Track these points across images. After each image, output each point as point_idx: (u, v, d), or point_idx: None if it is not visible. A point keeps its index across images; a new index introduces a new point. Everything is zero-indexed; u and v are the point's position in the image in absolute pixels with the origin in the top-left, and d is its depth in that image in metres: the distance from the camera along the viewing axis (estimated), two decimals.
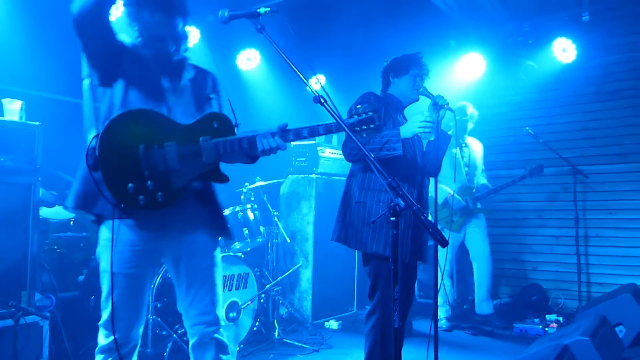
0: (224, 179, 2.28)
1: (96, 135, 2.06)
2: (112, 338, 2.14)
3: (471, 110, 5.26)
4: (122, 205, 2.08)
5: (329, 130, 2.19)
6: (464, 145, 5.29)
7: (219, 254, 2.41)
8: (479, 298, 5.22)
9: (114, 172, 2.05)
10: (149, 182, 2.09)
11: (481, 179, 5.35)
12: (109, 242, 2.12)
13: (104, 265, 2.17)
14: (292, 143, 5.67)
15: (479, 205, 5.26)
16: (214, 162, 2.21)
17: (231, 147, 2.18)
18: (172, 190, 2.14)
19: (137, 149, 2.07)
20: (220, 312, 2.35)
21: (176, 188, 2.14)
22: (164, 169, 2.11)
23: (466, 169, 5.24)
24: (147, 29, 2.26)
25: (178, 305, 2.38)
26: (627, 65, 5.69)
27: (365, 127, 2.12)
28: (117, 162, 2.05)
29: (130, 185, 2.06)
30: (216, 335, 2.31)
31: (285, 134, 2.22)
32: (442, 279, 5.05)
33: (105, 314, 2.18)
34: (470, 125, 5.29)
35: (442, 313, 5.16)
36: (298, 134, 2.22)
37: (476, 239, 5.24)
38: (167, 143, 2.12)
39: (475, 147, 5.38)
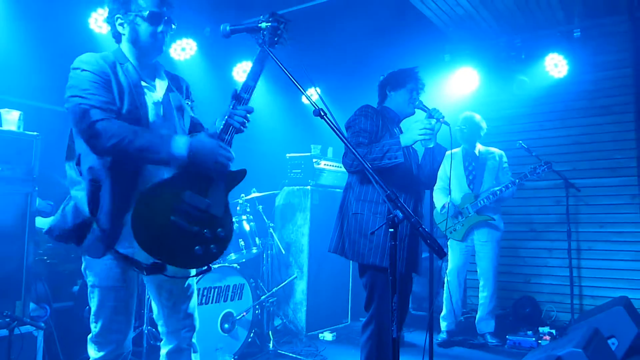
0: (242, 174, 2.37)
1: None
2: (102, 353, 2.16)
3: (479, 118, 5.21)
4: (190, 267, 2.22)
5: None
6: (476, 153, 5.17)
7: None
8: (480, 315, 5.08)
9: (171, 253, 2.09)
10: (205, 231, 2.15)
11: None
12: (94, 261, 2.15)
13: (92, 279, 2.17)
14: (288, 155, 5.73)
15: (475, 215, 5.03)
16: (222, 168, 2.23)
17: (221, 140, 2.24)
18: (222, 219, 2.22)
19: (169, 220, 2.08)
20: (197, 315, 2.46)
21: (221, 216, 2.22)
22: (202, 213, 2.15)
23: (470, 177, 5.14)
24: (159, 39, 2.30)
25: (157, 312, 2.41)
26: (617, 81, 5.79)
27: None
28: (169, 243, 2.08)
29: (197, 247, 2.13)
30: (193, 340, 2.42)
31: (239, 98, 2.33)
32: (449, 290, 4.99)
33: (95, 328, 2.17)
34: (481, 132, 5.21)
35: (444, 326, 5.07)
36: (247, 88, 2.35)
37: (482, 255, 5.07)
38: (184, 196, 2.12)
39: (491, 156, 5.20)
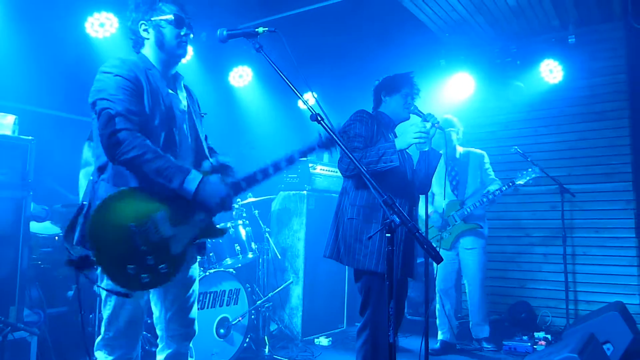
0: (223, 233, 2.35)
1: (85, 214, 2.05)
2: (112, 357, 2.16)
3: (455, 120, 5.04)
4: (125, 290, 2.05)
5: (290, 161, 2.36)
6: (457, 156, 5.02)
7: (196, 267, 2.50)
8: (472, 321, 5.03)
9: (110, 256, 2.00)
10: (151, 259, 2.06)
11: (491, 188, 4.92)
12: None
13: (107, 284, 2.13)
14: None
15: (462, 223, 4.89)
16: (209, 220, 2.24)
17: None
18: (174, 258, 2.13)
19: (127, 227, 2.03)
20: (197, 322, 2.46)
21: (176, 254, 2.14)
22: (161, 241, 2.09)
23: (454, 182, 5.00)
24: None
25: (158, 315, 2.40)
26: (612, 87, 5.82)
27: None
28: (112, 246, 2.00)
29: (130, 266, 2.02)
30: (191, 344, 2.45)
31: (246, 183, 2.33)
32: (441, 299, 4.93)
33: (109, 332, 2.17)
34: (454, 137, 5.01)
35: (440, 334, 4.98)
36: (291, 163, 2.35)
37: (467, 261, 4.94)
38: (154, 213, 2.09)
39: (472, 158, 5.05)
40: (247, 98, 6.82)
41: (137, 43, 2.38)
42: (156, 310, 2.40)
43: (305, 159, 2.42)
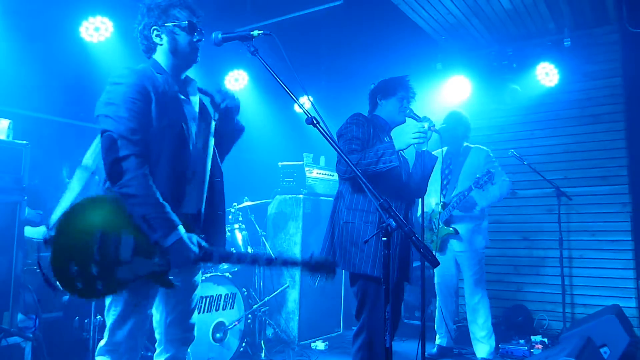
0: (169, 285, 2.18)
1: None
2: None
3: (464, 116, 4.83)
4: (55, 287, 2.00)
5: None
6: (457, 152, 4.80)
7: (200, 276, 2.49)
8: (473, 335, 4.68)
9: (63, 249, 1.97)
10: (93, 268, 1.98)
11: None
12: None
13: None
14: (280, 163, 5.72)
15: (446, 226, 4.65)
16: (162, 264, 2.13)
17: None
18: (115, 281, 2.04)
19: (94, 233, 1.99)
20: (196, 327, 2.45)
21: (121, 279, 2.05)
22: (113, 259, 2.03)
23: (445, 181, 4.74)
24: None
25: (158, 319, 2.38)
26: (607, 90, 5.84)
27: None
28: (71, 241, 1.97)
29: (74, 267, 1.96)
30: (189, 349, 2.43)
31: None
32: (440, 304, 4.84)
33: (113, 337, 2.15)
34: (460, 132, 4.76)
35: (437, 339, 4.90)
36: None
37: (462, 266, 4.72)
38: (126, 234, 2.05)
39: (472, 154, 4.76)
40: (243, 102, 6.76)
41: (149, 48, 2.36)
42: (157, 314, 2.38)
43: (285, 268, 2.46)
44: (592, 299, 5.67)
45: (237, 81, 6.52)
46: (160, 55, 2.34)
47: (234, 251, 2.35)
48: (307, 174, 5.60)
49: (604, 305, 5.03)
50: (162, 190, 2.11)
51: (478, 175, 4.43)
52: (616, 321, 3.94)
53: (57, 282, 1.99)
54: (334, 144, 2.00)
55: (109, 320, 2.16)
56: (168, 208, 2.07)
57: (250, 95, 6.77)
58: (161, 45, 2.32)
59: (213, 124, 2.49)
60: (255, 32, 2.17)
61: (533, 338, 5.07)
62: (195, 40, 2.32)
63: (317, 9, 5.45)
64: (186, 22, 2.29)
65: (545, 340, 5.02)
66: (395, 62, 6.03)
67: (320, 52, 6.60)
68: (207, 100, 2.57)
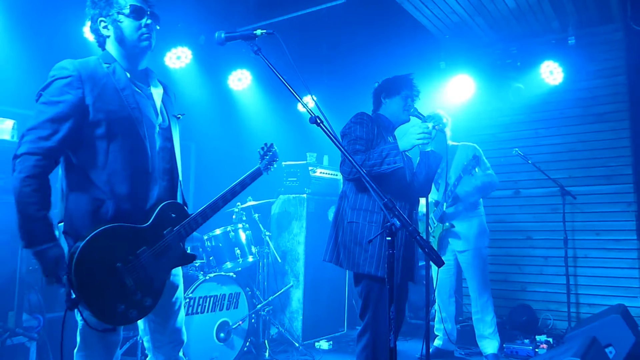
0: (192, 258, 2.34)
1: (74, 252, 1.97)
2: None
3: (442, 113, 4.78)
4: (113, 326, 2.05)
5: (243, 185, 2.53)
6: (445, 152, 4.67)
7: (180, 272, 2.45)
8: (478, 332, 4.69)
9: (99, 297, 1.96)
10: (137, 294, 2.06)
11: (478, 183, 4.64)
12: None
13: (91, 321, 2.10)
14: (283, 163, 5.72)
15: (440, 224, 4.62)
16: (182, 248, 2.27)
17: (190, 227, 2.29)
18: (157, 291, 2.15)
19: (114, 268, 2.01)
20: (184, 329, 2.41)
21: (159, 287, 2.16)
22: (146, 275, 2.10)
23: (439, 180, 4.72)
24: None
25: (142, 327, 2.36)
26: (611, 88, 5.81)
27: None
28: (100, 287, 1.97)
29: (121, 305, 2.01)
30: (180, 354, 2.37)
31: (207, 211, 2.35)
32: (439, 305, 4.82)
33: (87, 341, 2.14)
34: (448, 133, 4.74)
35: (436, 341, 4.88)
36: (215, 207, 2.38)
37: (464, 266, 4.72)
38: (139, 251, 2.10)
39: (459, 152, 4.75)
40: (246, 101, 6.81)
41: (101, 42, 2.29)
42: (140, 322, 2.33)
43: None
44: (597, 298, 5.65)
45: (241, 81, 6.52)
46: (111, 47, 2.26)
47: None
48: (311, 174, 5.60)
49: (609, 305, 5.00)
50: (117, 180, 2.09)
51: (464, 163, 4.45)
52: (621, 321, 3.92)
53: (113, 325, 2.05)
54: (337, 144, 1.99)
55: (79, 326, 2.14)
56: (40, 223, 1.98)
57: (253, 95, 6.77)
58: (109, 36, 2.24)
59: (177, 121, 2.43)
60: (258, 32, 2.16)
61: (538, 338, 5.06)
62: (144, 24, 2.22)
63: (320, 8, 5.44)
64: (128, 6, 2.20)
65: (550, 340, 5.01)
66: (398, 61, 6.01)
67: (323, 51, 6.60)
68: (172, 94, 2.51)
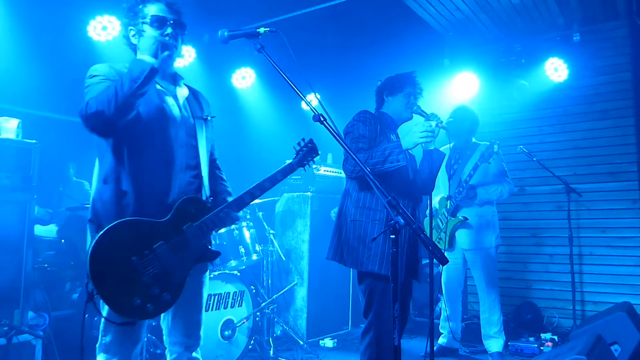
0: (215, 255, 2.37)
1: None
2: None
3: (471, 110, 4.79)
4: (119, 311, 2.05)
5: (273, 182, 2.45)
6: (465, 147, 4.73)
7: (207, 276, 2.47)
8: (484, 332, 4.65)
9: (113, 289, 2.00)
10: (154, 289, 2.08)
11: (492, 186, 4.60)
12: None
13: (110, 315, 2.13)
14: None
15: (452, 218, 4.58)
16: (203, 244, 2.28)
17: (212, 223, 2.27)
18: (176, 286, 2.16)
19: (129, 261, 2.04)
20: (202, 332, 2.42)
21: (178, 283, 2.17)
22: (163, 270, 2.11)
23: (451, 172, 4.67)
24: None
25: (162, 321, 2.39)
26: (617, 85, 5.78)
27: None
28: (114, 280, 2.01)
29: (137, 299, 2.04)
30: (194, 354, 2.39)
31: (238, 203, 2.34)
32: (445, 304, 4.78)
33: (105, 338, 2.16)
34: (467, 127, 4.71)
35: (440, 338, 4.87)
36: (243, 200, 2.36)
37: (472, 265, 4.67)
38: (155, 245, 2.11)
39: (477, 150, 4.65)
40: (250, 99, 6.81)
41: (132, 50, 2.38)
42: (163, 316, 2.37)
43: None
44: (603, 296, 5.63)
45: (244, 79, 6.53)
46: (138, 54, 2.33)
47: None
48: (315, 172, 5.60)
49: (614, 303, 4.98)
50: (139, 172, 2.16)
51: (482, 150, 4.44)
52: (627, 318, 3.90)
53: (132, 319, 2.07)
54: (341, 142, 1.99)
55: (102, 320, 2.17)
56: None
57: (257, 93, 6.77)
58: (136, 44, 2.34)
59: (207, 122, 2.49)
60: (262, 30, 2.16)
61: (543, 336, 5.04)
62: (165, 34, 2.27)
63: (324, 6, 5.43)
64: (149, 17, 2.28)
65: (555, 337, 4.99)
66: (402, 58, 6.00)
67: (326, 49, 6.58)
68: (200, 97, 2.58)
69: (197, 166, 2.38)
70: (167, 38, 2.27)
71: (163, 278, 2.10)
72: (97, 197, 2.16)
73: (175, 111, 2.33)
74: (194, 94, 2.53)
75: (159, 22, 2.28)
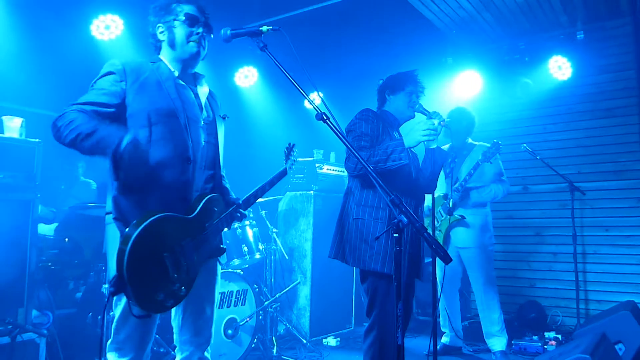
0: (222, 251, 2.45)
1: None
2: (126, 359, 2.15)
3: (467, 111, 4.80)
4: (141, 304, 2.01)
5: (272, 184, 2.73)
6: (462, 147, 4.73)
7: (219, 272, 2.49)
8: (485, 330, 4.62)
9: (143, 284, 1.97)
10: (176, 284, 2.08)
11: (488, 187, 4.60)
12: None
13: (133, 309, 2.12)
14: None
15: (447, 217, 4.59)
16: (218, 241, 2.37)
17: (227, 221, 2.40)
18: (191, 280, 2.17)
19: (162, 257, 2.04)
20: (212, 330, 2.42)
21: (192, 278, 2.18)
22: (186, 266, 2.13)
23: (447, 170, 4.68)
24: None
25: (172, 319, 2.40)
26: (619, 84, 5.76)
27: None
28: (146, 274, 1.99)
29: (161, 295, 2.03)
30: (205, 353, 2.38)
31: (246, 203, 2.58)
32: (444, 303, 4.77)
33: (118, 335, 2.17)
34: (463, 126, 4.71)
35: (443, 337, 4.86)
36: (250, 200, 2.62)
37: (468, 263, 4.65)
38: (184, 242, 2.13)
39: (475, 151, 4.68)
40: (252, 98, 6.82)
41: (157, 47, 2.42)
42: (173, 311, 2.38)
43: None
44: (606, 294, 5.62)
45: (247, 77, 6.53)
46: (164, 51, 2.40)
47: None
48: (318, 170, 5.59)
49: (618, 301, 4.96)
50: (159, 168, 2.16)
51: (485, 149, 4.46)
52: (631, 317, 3.89)
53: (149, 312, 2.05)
54: (344, 140, 1.99)
55: (115, 316, 2.18)
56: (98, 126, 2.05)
57: (260, 92, 6.77)
58: (164, 41, 2.38)
59: (220, 119, 2.54)
60: (264, 28, 2.16)
61: (546, 334, 5.03)
62: (195, 32, 2.34)
63: (326, 4, 5.43)
64: (184, 14, 2.33)
65: (559, 336, 4.98)
66: (405, 56, 6.00)
67: (329, 47, 6.58)
68: (216, 97, 2.62)
69: (216, 163, 2.43)
70: (195, 36, 2.34)
71: (184, 273, 2.11)
72: (118, 194, 2.14)
73: (196, 110, 2.37)
74: (211, 92, 2.57)
75: (191, 20, 2.34)
